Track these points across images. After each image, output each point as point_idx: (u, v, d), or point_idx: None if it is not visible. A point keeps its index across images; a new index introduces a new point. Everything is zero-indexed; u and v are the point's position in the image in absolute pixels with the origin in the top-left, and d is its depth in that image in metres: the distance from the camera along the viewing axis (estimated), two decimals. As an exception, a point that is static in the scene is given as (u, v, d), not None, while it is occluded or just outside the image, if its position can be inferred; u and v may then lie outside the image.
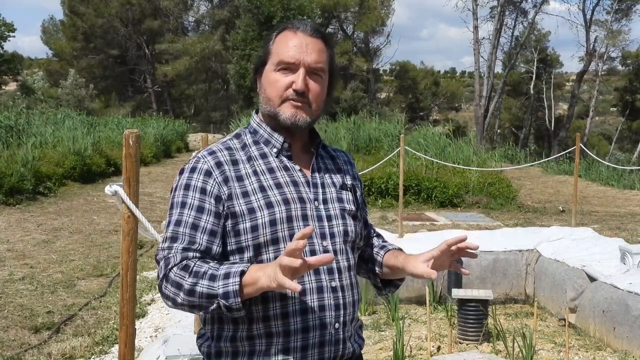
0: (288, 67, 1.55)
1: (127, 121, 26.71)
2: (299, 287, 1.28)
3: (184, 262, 1.45)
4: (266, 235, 1.49)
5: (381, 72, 52.43)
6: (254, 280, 1.38)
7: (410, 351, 4.58)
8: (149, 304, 5.54)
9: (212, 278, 1.40)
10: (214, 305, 1.40)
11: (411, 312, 5.51)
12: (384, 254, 1.75)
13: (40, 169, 12.11)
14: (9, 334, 4.76)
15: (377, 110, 32.22)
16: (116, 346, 4.32)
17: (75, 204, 11.16)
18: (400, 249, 1.77)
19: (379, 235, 1.86)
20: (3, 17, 42.65)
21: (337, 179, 1.67)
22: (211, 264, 1.44)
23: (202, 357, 1.61)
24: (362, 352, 1.71)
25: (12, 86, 46.37)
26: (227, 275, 1.39)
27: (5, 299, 5.61)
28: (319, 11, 36.35)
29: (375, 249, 1.78)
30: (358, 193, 1.73)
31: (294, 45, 1.55)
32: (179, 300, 1.44)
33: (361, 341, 1.67)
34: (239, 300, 1.38)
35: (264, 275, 1.35)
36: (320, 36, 1.60)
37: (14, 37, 48.35)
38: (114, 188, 2.44)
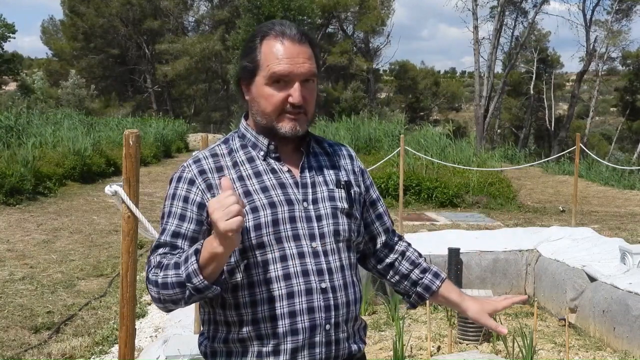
0: (282, 80, 1.53)
1: (127, 121, 26.70)
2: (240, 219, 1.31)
3: (159, 261, 1.48)
4: (251, 240, 1.49)
5: (381, 72, 52.44)
6: (208, 253, 1.37)
7: (411, 351, 4.58)
8: (149, 304, 5.54)
9: (177, 266, 1.42)
10: (187, 292, 1.41)
11: (411, 312, 5.51)
12: (440, 284, 1.77)
13: (41, 169, 12.11)
14: (9, 334, 4.76)
15: (377, 110, 32.23)
16: (116, 346, 4.32)
17: (75, 204, 11.16)
18: (448, 278, 1.81)
19: (409, 244, 1.84)
20: (4, 18, 42.67)
21: (331, 176, 1.64)
22: (177, 255, 1.46)
23: (201, 356, 1.63)
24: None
25: (12, 86, 46.37)
26: (186, 259, 1.40)
27: (5, 299, 5.61)
28: (319, 11, 36.36)
29: (429, 276, 1.77)
30: (355, 189, 1.68)
31: (284, 57, 1.52)
32: (161, 297, 1.46)
33: (362, 342, 1.65)
34: (202, 278, 1.38)
35: (214, 243, 1.35)
36: (307, 40, 1.57)
37: (14, 38, 48.27)
38: (114, 188, 2.44)
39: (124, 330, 2.43)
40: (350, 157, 1.75)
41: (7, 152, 12.69)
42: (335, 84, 42.38)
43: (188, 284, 1.39)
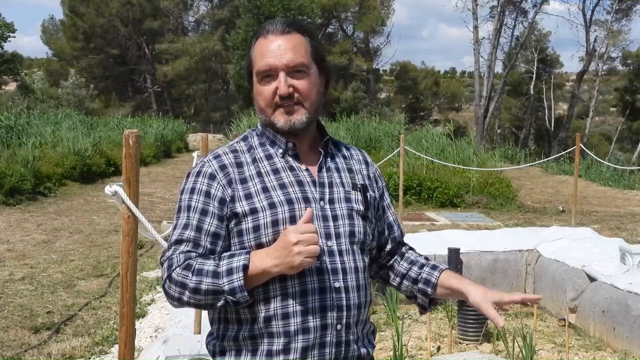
0: (269, 75, 1.55)
1: (127, 121, 26.70)
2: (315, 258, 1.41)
3: (187, 262, 1.47)
4: (268, 235, 1.50)
5: (381, 72, 52.41)
6: (259, 271, 1.42)
7: (410, 351, 4.58)
8: (149, 304, 5.54)
9: (215, 275, 1.42)
10: (221, 301, 1.43)
11: (411, 312, 5.51)
12: (439, 275, 1.69)
13: (40, 169, 12.10)
14: (9, 334, 4.76)
15: (377, 111, 32.21)
16: (116, 346, 4.32)
17: (75, 204, 11.16)
18: (449, 269, 1.73)
19: (412, 248, 1.81)
20: (3, 18, 42.61)
21: (347, 178, 1.64)
22: (212, 261, 1.46)
23: (204, 356, 1.63)
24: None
25: (12, 86, 46.34)
26: (230, 271, 1.42)
27: (5, 299, 5.61)
28: (319, 11, 36.36)
29: (426, 269, 1.71)
30: (370, 193, 1.67)
31: (267, 51, 1.55)
32: (185, 299, 1.46)
33: (371, 346, 1.64)
34: (246, 294, 1.42)
35: (272, 265, 1.41)
36: (294, 29, 1.58)
37: (14, 37, 48.19)
38: (114, 188, 2.44)
39: (124, 331, 2.43)
40: (366, 162, 1.74)
41: (6, 152, 12.68)
42: (335, 84, 42.34)
43: (229, 297, 1.41)
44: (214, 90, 49.45)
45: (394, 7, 67.08)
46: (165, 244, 2.35)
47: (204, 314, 4.32)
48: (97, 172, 14.60)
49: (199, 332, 4.24)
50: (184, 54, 43.03)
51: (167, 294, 1.50)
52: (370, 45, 45.61)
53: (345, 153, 1.71)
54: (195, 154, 4.75)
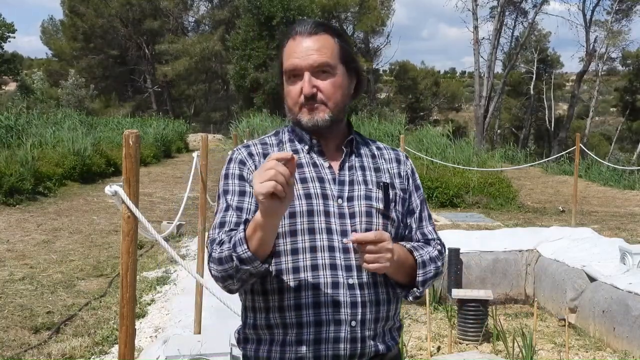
0: (295, 75, 1.59)
1: (127, 121, 26.72)
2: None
3: (222, 239, 1.49)
4: (284, 227, 1.53)
5: (381, 72, 52.40)
6: (254, 222, 1.39)
7: (410, 351, 4.58)
8: (149, 304, 5.54)
9: (230, 240, 1.45)
10: (235, 263, 1.41)
11: (411, 312, 5.51)
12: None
13: (40, 169, 12.11)
14: (9, 334, 4.76)
15: (377, 111, 32.21)
16: (116, 346, 4.32)
17: (75, 204, 11.16)
18: (412, 248, 1.63)
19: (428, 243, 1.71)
20: (3, 18, 42.64)
21: (372, 177, 1.64)
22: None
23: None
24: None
25: (12, 86, 46.34)
26: (238, 232, 1.44)
27: (5, 299, 5.61)
28: (319, 11, 36.33)
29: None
30: (397, 192, 1.64)
31: (294, 52, 1.59)
32: (220, 275, 1.47)
33: (392, 342, 1.64)
34: (246, 247, 1.39)
35: (258, 215, 1.37)
36: (322, 30, 1.61)
37: (14, 37, 48.20)
38: (114, 188, 2.43)
39: (124, 331, 2.43)
40: (398, 160, 1.72)
41: (6, 152, 12.67)
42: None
43: (234, 254, 1.41)
44: (214, 90, 49.45)
45: (394, 7, 67.04)
46: (165, 244, 2.35)
47: (204, 314, 4.33)
48: (97, 172, 14.61)
49: (199, 332, 4.24)
50: (184, 54, 43.01)
51: (212, 276, 1.52)
52: (370, 45, 45.58)
53: (376, 152, 1.72)
54: (195, 154, 4.74)
